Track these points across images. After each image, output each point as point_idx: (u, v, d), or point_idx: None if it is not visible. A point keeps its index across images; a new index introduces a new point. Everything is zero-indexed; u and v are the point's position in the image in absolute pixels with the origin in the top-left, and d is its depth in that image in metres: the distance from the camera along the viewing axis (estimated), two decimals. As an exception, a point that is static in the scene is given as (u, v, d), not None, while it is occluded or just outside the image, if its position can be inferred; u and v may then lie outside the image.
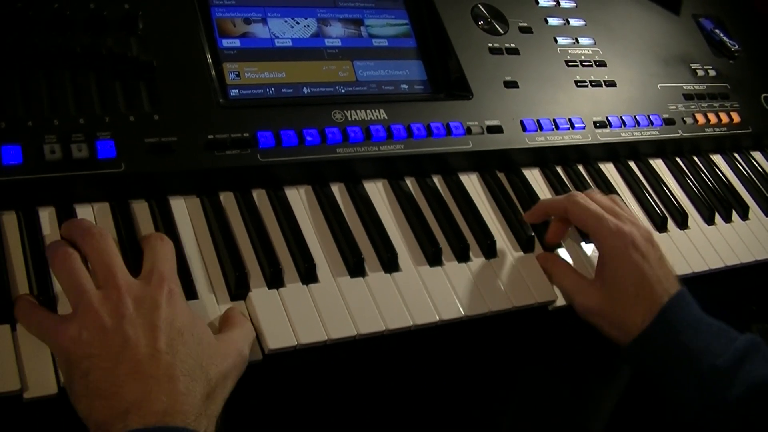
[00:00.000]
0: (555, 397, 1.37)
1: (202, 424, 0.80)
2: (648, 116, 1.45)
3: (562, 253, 1.21)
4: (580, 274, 1.16)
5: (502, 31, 1.40)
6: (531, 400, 1.35)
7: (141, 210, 1.03)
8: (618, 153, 1.43)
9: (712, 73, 1.61)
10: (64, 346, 0.82)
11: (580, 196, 1.15)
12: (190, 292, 0.96)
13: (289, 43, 1.22)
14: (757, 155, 1.63)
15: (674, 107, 1.50)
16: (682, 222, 1.37)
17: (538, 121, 1.32)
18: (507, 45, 1.39)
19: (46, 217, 0.98)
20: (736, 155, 1.60)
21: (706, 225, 1.40)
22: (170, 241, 0.95)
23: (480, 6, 1.41)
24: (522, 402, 1.34)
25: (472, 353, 1.23)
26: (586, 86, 1.42)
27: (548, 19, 1.48)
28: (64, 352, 0.82)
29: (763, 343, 1.05)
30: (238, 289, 0.99)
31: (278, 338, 0.96)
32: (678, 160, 1.50)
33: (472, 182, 1.26)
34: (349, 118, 1.17)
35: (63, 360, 0.83)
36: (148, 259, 0.92)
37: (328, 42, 1.25)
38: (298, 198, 1.12)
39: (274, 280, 1.01)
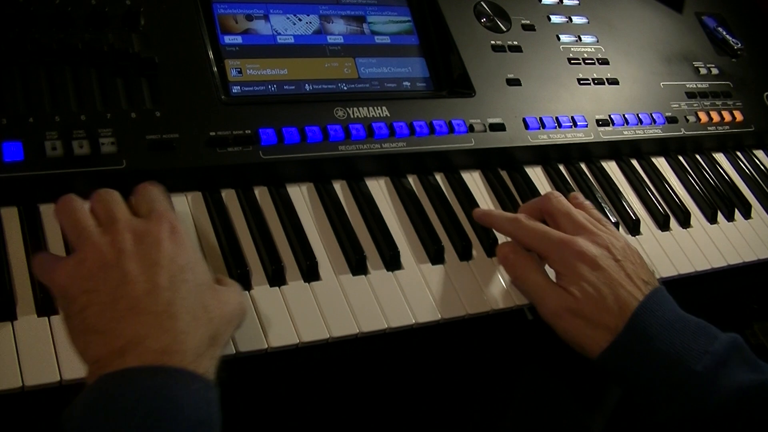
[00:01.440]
0: (555, 396, 1.37)
1: (202, 364, 0.79)
2: (651, 114, 1.44)
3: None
4: (548, 278, 1.08)
5: (504, 29, 1.40)
6: (531, 400, 1.35)
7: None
8: (620, 151, 1.43)
9: (714, 71, 1.61)
10: (62, 282, 0.81)
11: (524, 218, 1.11)
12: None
13: (291, 40, 1.22)
14: (759, 154, 1.63)
15: (677, 105, 1.50)
16: (685, 220, 1.36)
17: (540, 118, 1.31)
18: (509, 42, 1.38)
19: (48, 213, 0.97)
20: (739, 154, 1.60)
21: (708, 223, 1.40)
22: (158, 184, 0.94)
23: (482, 3, 1.40)
24: (522, 402, 1.34)
25: (473, 352, 1.23)
26: (589, 84, 1.42)
27: (551, 16, 1.47)
28: (62, 287, 0.82)
29: (743, 345, 1.01)
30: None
31: (280, 336, 0.95)
32: (680, 158, 1.50)
33: (474, 180, 1.26)
34: (352, 116, 1.16)
35: (61, 296, 0.83)
36: (142, 202, 0.90)
37: (330, 39, 1.25)
38: (300, 195, 1.12)
39: (276, 278, 1.01)
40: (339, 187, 1.15)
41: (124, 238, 0.83)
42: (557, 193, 1.14)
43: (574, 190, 1.30)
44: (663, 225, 1.34)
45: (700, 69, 1.59)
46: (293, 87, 1.19)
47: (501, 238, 1.17)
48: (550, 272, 1.08)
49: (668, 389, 0.97)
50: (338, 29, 1.26)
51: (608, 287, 1.02)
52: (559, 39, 1.45)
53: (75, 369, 0.84)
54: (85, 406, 0.74)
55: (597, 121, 1.38)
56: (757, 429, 0.94)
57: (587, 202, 1.18)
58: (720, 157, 1.57)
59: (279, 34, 1.21)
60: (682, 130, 1.48)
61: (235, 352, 0.92)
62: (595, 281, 1.02)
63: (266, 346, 0.94)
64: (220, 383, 0.80)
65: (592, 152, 1.39)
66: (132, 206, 0.91)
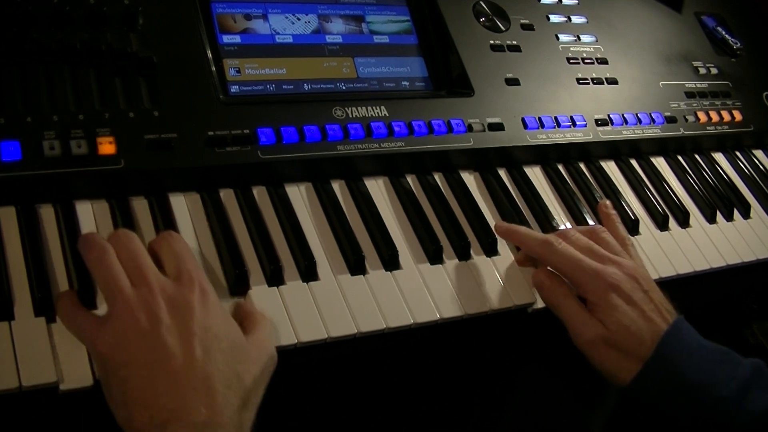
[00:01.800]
0: (555, 396, 1.36)
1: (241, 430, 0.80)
2: (650, 114, 1.44)
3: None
4: (582, 307, 1.09)
5: (503, 28, 1.40)
6: (531, 400, 1.35)
7: (141, 207, 1.03)
8: (619, 151, 1.43)
9: (714, 71, 1.61)
10: (103, 352, 0.82)
11: (556, 242, 1.11)
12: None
13: (290, 40, 1.22)
14: (758, 153, 1.62)
15: (676, 105, 1.50)
16: (684, 220, 1.36)
17: (539, 118, 1.31)
18: (508, 42, 1.38)
19: (45, 213, 0.97)
20: (738, 153, 1.60)
21: (707, 223, 1.40)
22: (181, 236, 0.94)
23: (481, 3, 1.40)
24: (522, 401, 1.34)
25: (472, 352, 1.23)
26: (588, 84, 1.42)
27: (550, 16, 1.47)
28: (102, 357, 0.82)
29: (765, 368, 1.02)
30: (238, 286, 0.98)
31: (278, 336, 0.95)
32: (680, 158, 1.50)
33: (473, 180, 1.25)
34: (350, 115, 1.16)
35: (101, 365, 0.83)
36: (169, 259, 0.90)
37: (329, 38, 1.25)
38: (299, 195, 1.12)
39: (275, 278, 1.01)
40: (337, 187, 1.15)
41: (158, 304, 0.83)
42: (602, 228, 1.16)
43: (573, 190, 1.30)
44: (662, 225, 1.34)
45: (699, 69, 1.59)
46: (292, 86, 1.19)
47: (500, 241, 1.17)
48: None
49: (695, 415, 0.99)
50: (337, 29, 1.26)
51: (642, 319, 1.04)
52: (558, 38, 1.45)
53: (72, 369, 0.85)
54: None
55: (596, 120, 1.37)
56: None
57: (614, 213, 1.22)
58: (719, 156, 1.57)
59: (278, 33, 1.21)
60: (681, 129, 1.48)
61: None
62: (630, 313, 1.04)
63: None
64: None
65: (591, 152, 1.39)
66: (154, 253, 0.91)
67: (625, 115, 1.41)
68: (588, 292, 1.07)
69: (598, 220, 1.26)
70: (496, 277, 1.13)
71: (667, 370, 1.01)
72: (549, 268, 1.12)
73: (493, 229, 1.17)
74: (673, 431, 1.02)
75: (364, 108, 1.18)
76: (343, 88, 1.22)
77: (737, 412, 0.97)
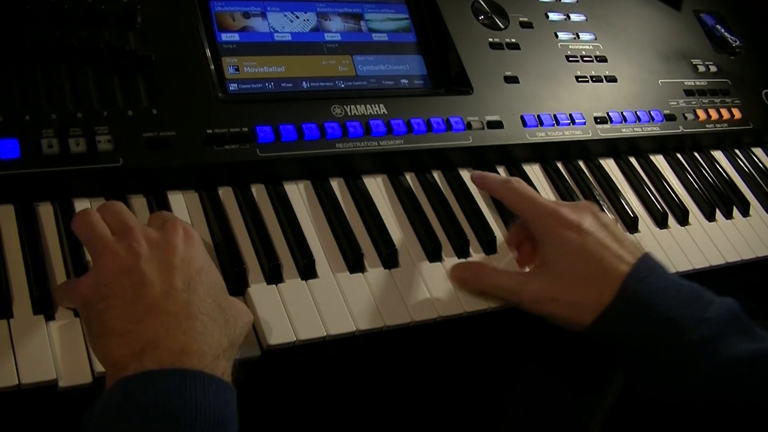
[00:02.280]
0: (554, 396, 1.36)
1: (220, 365, 0.80)
2: (649, 112, 1.44)
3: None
4: (512, 272, 1.11)
5: (502, 26, 1.40)
6: (530, 399, 1.35)
7: (139, 205, 1.03)
8: (619, 149, 1.43)
9: (713, 69, 1.61)
10: (83, 294, 0.83)
11: (515, 181, 1.13)
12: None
13: (289, 38, 1.22)
14: (757, 151, 1.62)
15: (675, 103, 1.50)
16: (683, 218, 1.36)
17: (538, 116, 1.31)
18: (507, 40, 1.38)
19: (44, 211, 0.98)
20: (737, 151, 1.60)
21: (706, 221, 1.40)
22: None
23: (480, 1, 1.40)
24: (521, 401, 1.34)
25: (471, 351, 1.23)
26: (587, 81, 1.42)
27: (549, 14, 1.47)
28: (83, 297, 0.83)
29: (740, 312, 0.98)
30: (237, 284, 0.98)
31: (277, 334, 0.95)
32: (679, 156, 1.50)
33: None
34: (349, 113, 1.16)
35: (82, 306, 0.84)
36: (155, 220, 0.92)
37: (327, 36, 1.25)
38: (298, 193, 1.12)
39: (273, 276, 1.01)
40: (336, 185, 1.15)
41: (140, 243, 0.84)
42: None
43: (572, 188, 1.30)
44: (661, 223, 1.34)
45: (698, 67, 1.59)
46: (290, 84, 1.19)
47: (499, 237, 1.17)
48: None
49: (664, 359, 0.96)
50: (336, 27, 1.26)
51: (594, 257, 1.01)
52: (557, 36, 1.45)
53: (71, 367, 0.85)
54: (104, 408, 0.75)
55: (595, 118, 1.37)
56: (758, 398, 0.92)
57: None
58: (718, 154, 1.57)
59: (276, 31, 1.21)
60: (681, 127, 1.48)
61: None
62: (580, 252, 1.02)
63: (263, 343, 0.94)
64: (239, 385, 0.81)
65: (590, 150, 1.39)
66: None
67: (624, 113, 1.41)
68: (538, 228, 1.07)
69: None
70: (495, 274, 1.13)
71: (631, 310, 0.97)
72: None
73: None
74: (643, 381, 0.99)
75: (362, 106, 1.18)
76: (342, 86, 1.22)
77: (709, 361, 0.93)
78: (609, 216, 1.09)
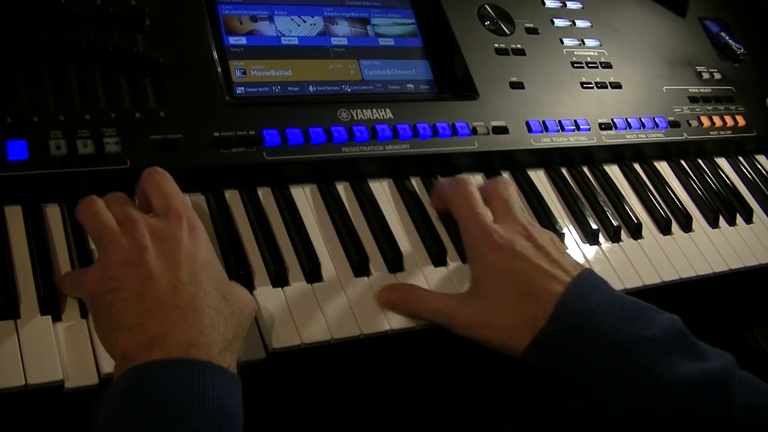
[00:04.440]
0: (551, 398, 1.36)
1: (226, 358, 0.80)
2: (653, 118, 1.44)
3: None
4: (444, 294, 1.04)
5: (508, 32, 1.40)
6: (529, 402, 1.35)
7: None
8: (623, 155, 1.43)
9: (717, 76, 1.61)
10: (90, 287, 0.84)
11: (464, 184, 1.08)
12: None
13: (296, 42, 1.22)
14: (761, 159, 1.63)
15: (679, 110, 1.50)
16: (686, 225, 1.37)
17: (543, 122, 1.31)
18: (513, 46, 1.39)
19: (51, 212, 0.98)
20: (741, 158, 1.60)
21: (710, 228, 1.40)
22: (167, 173, 0.95)
23: (486, 6, 1.40)
24: (521, 406, 1.34)
25: (474, 354, 1.23)
26: (592, 88, 1.42)
27: (554, 20, 1.48)
28: (90, 290, 0.84)
29: (683, 329, 0.93)
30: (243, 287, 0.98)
31: (282, 337, 0.95)
32: (682, 162, 1.50)
33: (477, 183, 1.25)
34: (355, 117, 1.17)
35: (90, 299, 0.85)
36: (156, 197, 0.92)
37: (334, 41, 1.25)
38: (304, 197, 1.12)
39: (279, 279, 1.01)
40: (342, 189, 1.15)
41: (144, 236, 0.85)
42: (510, 181, 1.12)
43: (576, 194, 1.30)
44: (665, 229, 1.34)
45: (702, 74, 1.59)
46: (297, 88, 1.19)
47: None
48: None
49: (605, 381, 0.90)
50: (342, 31, 1.26)
51: (525, 279, 0.96)
52: (562, 42, 1.45)
53: (77, 368, 0.85)
54: (113, 397, 0.76)
55: (600, 124, 1.38)
56: (706, 422, 0.88)
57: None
58: (722, 161, 1.58)
59: (283, 35, 1.21)
60: (685, 134, 1.48)
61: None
62: (510, 274, 0.97)
63: (269, 346, 0.94)
64: (246, 383, 0.82)
65: (594, 156, 1.39)
66: (145, 197, 0.93)
67: (628, 120, 1.41)
68: (468, 244, 1.03)
69: (600, 222, 1.27)
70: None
71: (566, 332, 0.92)
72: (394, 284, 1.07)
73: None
74: (582, 404, 0.94)
75: (369, 110, 1.18)
76: (348, 90, 1.23)
77: (655, 378, 0.88)
78: (546, 235, 1.04)
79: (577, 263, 1.01)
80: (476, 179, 1.26)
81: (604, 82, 1.44)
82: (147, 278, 0.81)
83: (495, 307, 0.97)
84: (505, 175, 1.29)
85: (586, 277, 0.97)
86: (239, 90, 1.15)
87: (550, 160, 1.35)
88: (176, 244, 0.85)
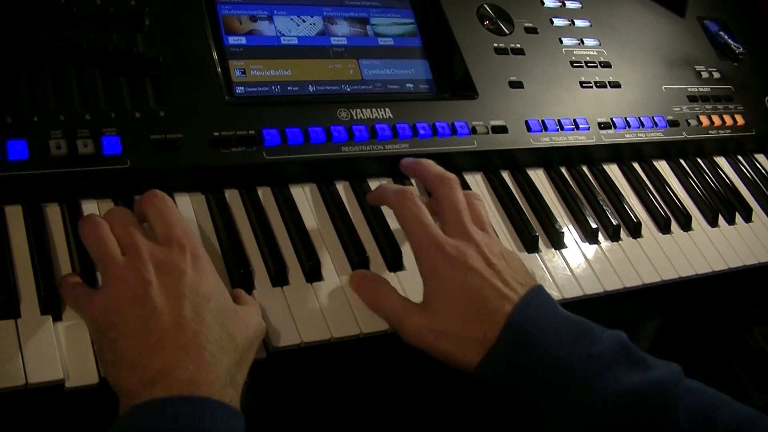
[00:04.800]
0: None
1: (227, 393, 0.81)
2: (652, 118, 1.45)
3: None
4: (403, 298, 1.01)
5: (507, 32, 1.40)
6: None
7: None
8: (622, 154, 1.43)
9: (716, 75, 1.61)
10: (94, 316, 0.84)
11: (411, 198, 1.02)
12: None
13: (295, 41, 1.22)
14: (760, 158, 1.63)
15: (678, 109, 1.50)
16: (686, 223, 1.37)
17: (542, 121, 1.32)
18: (512, 45, 1.39)
19: (51, 212, 0.98)
20: (740, 158, 1.60)
21: (709, 227, 1.40)
22: (168, 197, 0.94)
23: (485, 6, 1.40)
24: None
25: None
26: (591, 87, 1.42)
27: (554, 19, 1.48)
28: (93, 320, 0.84)
29: (628, 343, 0.93)
30: (243, 287, 0.98)
31: (282, 336, 0.96)
32: (682, 161, 1.51)
33: (476, 182, 1.26)
34: (355, 117, 1.17)
35: (93, 329, 0.85)
36: (158, 224, 0.91)
37: (333, 40, 1.25)
38: (303, 196, 1.12)
39: (279, 278, 1.01)
40: (342, 188, 1.16)
41: (149, 270, 0.85)
42: (457, 184, 1.07)
43: (576, 193, 1.30)
44: (664, 228, 1.34)
45: (701, 73, 1.60)
46: (297, 88, 1.19)
47: (509, 240, 1.17)
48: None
49: (554, 399, 0.91)
50: (342, 31, 1.26)
51: (477, 295, 0.95)
52: (561, 42, 1.46)
53: (78, 367, 0.85)
54: None
55: (599, 124, 1.38)
56: (653, 429, 0.89)
57: (480, 204, 1.08)
58: (721, 160, 1.58)
59: (283, 35, 1.22)
60: (684, 133, 1.48)
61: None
62: (462, 289, 0.95)
63: (269, 345, 0.95)
64: (246, 410, 0.82)
65: (593, 155, 1.40)
66: (144, 216, 0.93)
67: (627, 119, 1.42)
68: (421, 262, 0.99)
69: (599, 221, 1.27)
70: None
71: (515, 350, 0.92)
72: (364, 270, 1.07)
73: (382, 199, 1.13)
74: (537, 421, 0.93)
75: (368, 110, 1.18)
76: (348, 89, 1.23)
77: (600, 396, 0.88)
78: (496, 247, 1.01)
79: (526, 278, 1.00)
80: (476, 179, 1.26)
81: (604, 82, 1.44)
82: (150, 316, 0.82)
83: (447, 320, 0.95)
84: (505, 174, 1.29)
85: (535, 295, 0.97)
86: (239, 90, 1.15)
87: (550, 159, 1.35)
88: (179, 278, 0.85)
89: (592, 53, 1.47)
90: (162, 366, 0.79)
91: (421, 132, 1.19)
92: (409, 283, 1.07)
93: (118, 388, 0.81)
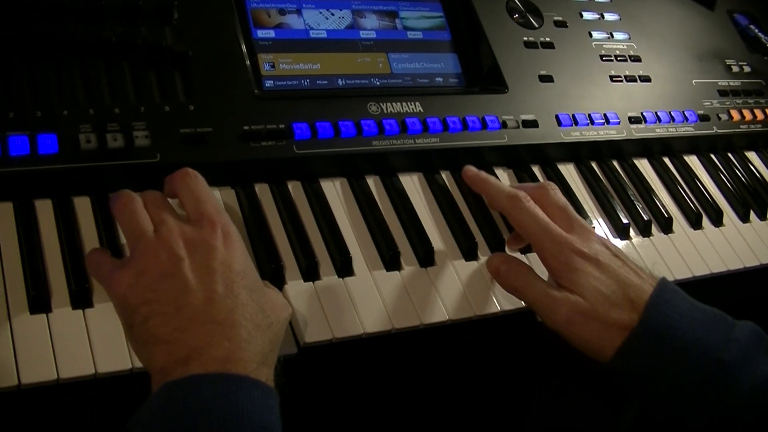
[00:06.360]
0: (570, 415, 1.35)
1: (263, 372, 0.80)
2: (683, 112, 1.43)
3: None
4: (549, 283, 1.03)
5: (537, 25, 1.39)
6: (547, 417, 1.34)
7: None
8: (652, 149, 1.42)
9: (746, 69, 1.60)
10: (123, 293, 0.82)
11: (524, 198, 1.06)
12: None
13: (324, 35, 1.21)
14: (791, 153, 1.62)
15: (709, 103, 1.49)
16: (717, 219, 1.35)
17: (573, 115, 1.30)
18: (542, 39, 1.38)
19: (81, 206, 0.98)
20: (770, 152, 1.59)
21: (740, 222, 1.39)
22: (199, 175, 0.94)
23: (515, -1, 1.40)
24: (542, 409, 1.33)
25: (502, 353, 1.22)
26: (621, 81, 1.41)
27: (583, 13, 1.46)
28: (122, 297, 0.82)
29: (762, 332, 0.94)
30: (274, 281, 0.97)
31: (314, 332, 0.95)
32: (712, 156, 1.49)
33: (507, 177, 1.25)
34: (385, 111, 1.16)
35: (122, 307, 0.83)
36: (189, 202, 0.91)
37: (362, 34, 1.24)
38: (334, 190, 1.11)
39: (310, 273, 1.00)
40: (372, 183, 1.15)
41: (180, 246, 0.84)
42: (554, 186, 1.10)
43: (607, 188, 1.29)
44: (695, 223, 1.33)
45: (732, 67, 1.58)
46: (326, 82, 1.18)
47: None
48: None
49: (697, 383, 0.91)
50: (371, 24, 1.26)
51: (615, 283, 0.98)
52: (591, 36, 1.44)
53: (109, 361, 0.85)
54: (151, 413, 0.75)
55: (629, 118, 1.37)
56: None
57: (554, 193, 1.10)
58: (752, 155, 1.56)
59: (312, 28, 1.21)
60: (714, 128, 1.47)
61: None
62: (601, 278, 0.98)
63: (300, 341, 0.94)
64: (280, 390, 0.81)
65: (624, 150, 1.38)
66: (175, 196, 0.93)
67: (658, 113, 1.40)
68: (552, 257, 1.01)
69: (630, 216, 1.26)
70: (531, 274, 1.12)
71: (657, 335, 0.93)
72: (504, 252, 1.11)
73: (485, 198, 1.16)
74: (671, 409, 0.94)
75: (398, 104, 1.17)
76: (377, 83, 1.22)
77: (744, 376, 0.90)
78: (614, 245, 1.05)
79: (643, 268, 1.03)
80: (505, 175, 1.25)
81: (634, 76, 1.43)
82: (183, 291, 0.80)
83: (596, 305, 0.97)
84: (535, 169, 1.28)
85: (668, 284, 0.99)
86: (268, 83, 1.14)
87: (580, 153, 1.34)
88: (211, 254, 0.84)
89: (621, 47, 1.46)
90: (197, 343, 0.78)
91: (452, 126, 1.18)
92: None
93: (150, 364, 0.80)
